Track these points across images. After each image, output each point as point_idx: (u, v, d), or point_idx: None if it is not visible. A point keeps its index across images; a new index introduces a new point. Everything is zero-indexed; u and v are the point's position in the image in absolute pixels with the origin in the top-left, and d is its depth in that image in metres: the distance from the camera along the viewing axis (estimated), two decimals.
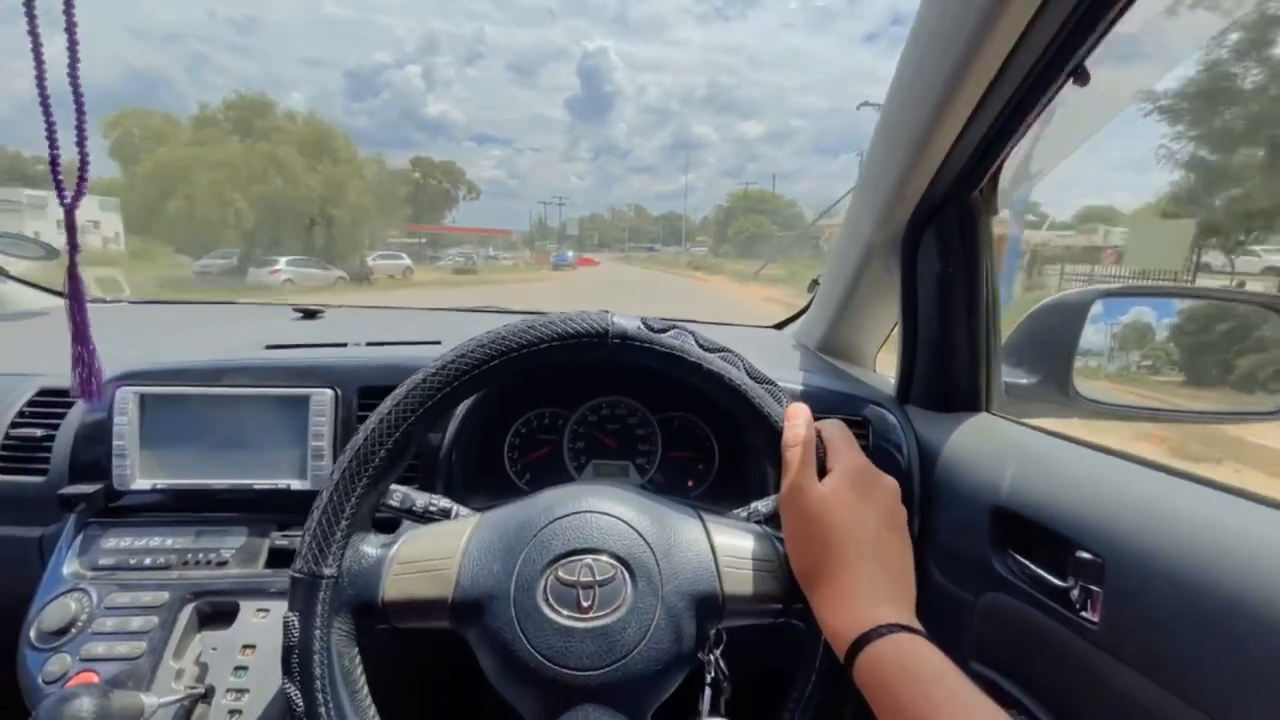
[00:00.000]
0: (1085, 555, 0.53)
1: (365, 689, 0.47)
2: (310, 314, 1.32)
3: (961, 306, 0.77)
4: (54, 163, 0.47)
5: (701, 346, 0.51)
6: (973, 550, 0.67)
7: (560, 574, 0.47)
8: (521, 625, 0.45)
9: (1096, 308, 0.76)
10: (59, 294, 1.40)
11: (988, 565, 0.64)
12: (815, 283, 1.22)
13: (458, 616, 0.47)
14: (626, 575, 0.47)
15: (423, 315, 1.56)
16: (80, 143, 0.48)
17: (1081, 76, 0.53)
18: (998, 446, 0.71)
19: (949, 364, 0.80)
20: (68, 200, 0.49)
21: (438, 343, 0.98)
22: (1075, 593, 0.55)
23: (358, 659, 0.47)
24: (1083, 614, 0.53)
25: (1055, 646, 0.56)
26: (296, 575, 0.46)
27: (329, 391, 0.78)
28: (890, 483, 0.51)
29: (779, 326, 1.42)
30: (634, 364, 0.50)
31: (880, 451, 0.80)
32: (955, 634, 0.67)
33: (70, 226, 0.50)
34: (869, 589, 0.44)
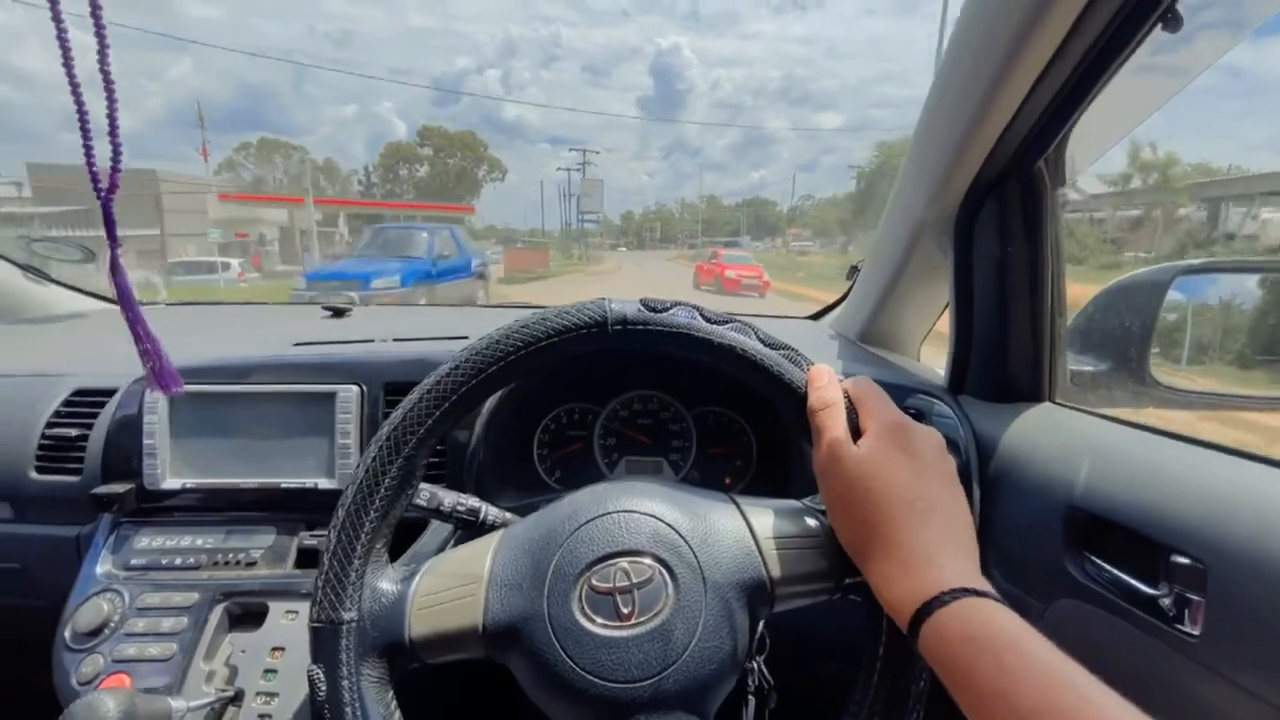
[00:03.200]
0: (1182, 560, 0.48)
1: None
2: (339, 312, 1.32)
3: (1023, 287, 0.71)
4: (88, 154, 0.45)
5: (708, 319, 0.47)
6: (1042, 552, 0.61)
7: (594, 582, 0.43)
8: (562, 644, 0.42)
9: (1176, 286, 0.69)
10: (98, 296, 1.43)
11: (1059, 569, 0.59)
12: (855, 269, 1.16)
13: (492, 644, 0.44)
14: (665, 574, 0.44)
15: (447, 312, 1.55)
16: (113, 132, 0.47)
17: (1173, 21, 0.47)
18: (1067, 439, 0.65)
19: (1007, 350, 0.74)
20: (103, 194, 0.47)
21: (464, 337, 0.96)
22: (1168, 601, 0.49)
23: (394, 704, 0.44)
24: (1179, 625, 0.47)
25: (1143, 660, 0.50)
26: (315, 625, 0.43)
27: (355, 388, 0.77)
28: (932, 434, 0.46)
29: (815, 317, 1.36)
30: (643, 350, 0.47)
31: None
32: None
33: (109, 222, 0.48)
34: (924, 552, 0.40)
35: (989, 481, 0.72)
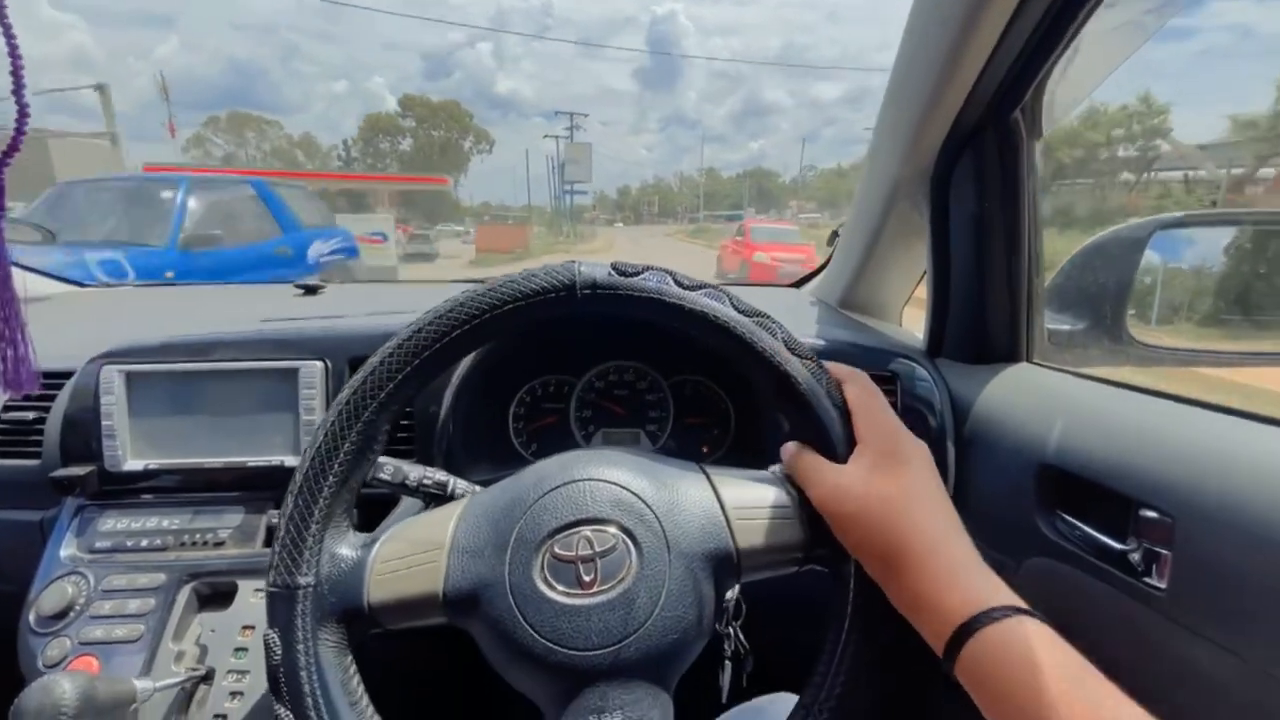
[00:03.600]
0: (1150, 514, 0.47)
1: (365, 699, 0.43)
2: (311, 290, 1.29)
3: (999, 245, 0.69)
4: None
5: (681, 285, 0.46)
6: (1016, 512, 0.61)
7: (557, 550, 0.42)
8: (522, 610, 0.41)
9: (1154, 242, 0.67)
10: (56, 278, 1.39)
11: (1033, 528, 0.59)
12: (835, 235, 1.14)
13: (453, 610, 0.43)
14: (629, 542, 0.43)
15: (425, 288, 1.52)
16: (18, 95, 0.43)
17: None
18: (1042, 399, 0.65)
19: (985, 310, 0.73)
20: None
21: None
22: (1137, 556, 0.49)
23: (353, 669, 0.44)
24: (1146, 579, 0.47)
25: (1113, 614, 0.50)
26: (271, 589, 0.42)
27: (318, 363, 0.75)
28: (923, 449, 0.45)
29: (797, 285, 1.35)
30: (613, 315, 0.45)
31: (909, 409, 0.74)
32: None
33: None
34: (954, 567, 0.39)
35: (964, 443, 0.71)
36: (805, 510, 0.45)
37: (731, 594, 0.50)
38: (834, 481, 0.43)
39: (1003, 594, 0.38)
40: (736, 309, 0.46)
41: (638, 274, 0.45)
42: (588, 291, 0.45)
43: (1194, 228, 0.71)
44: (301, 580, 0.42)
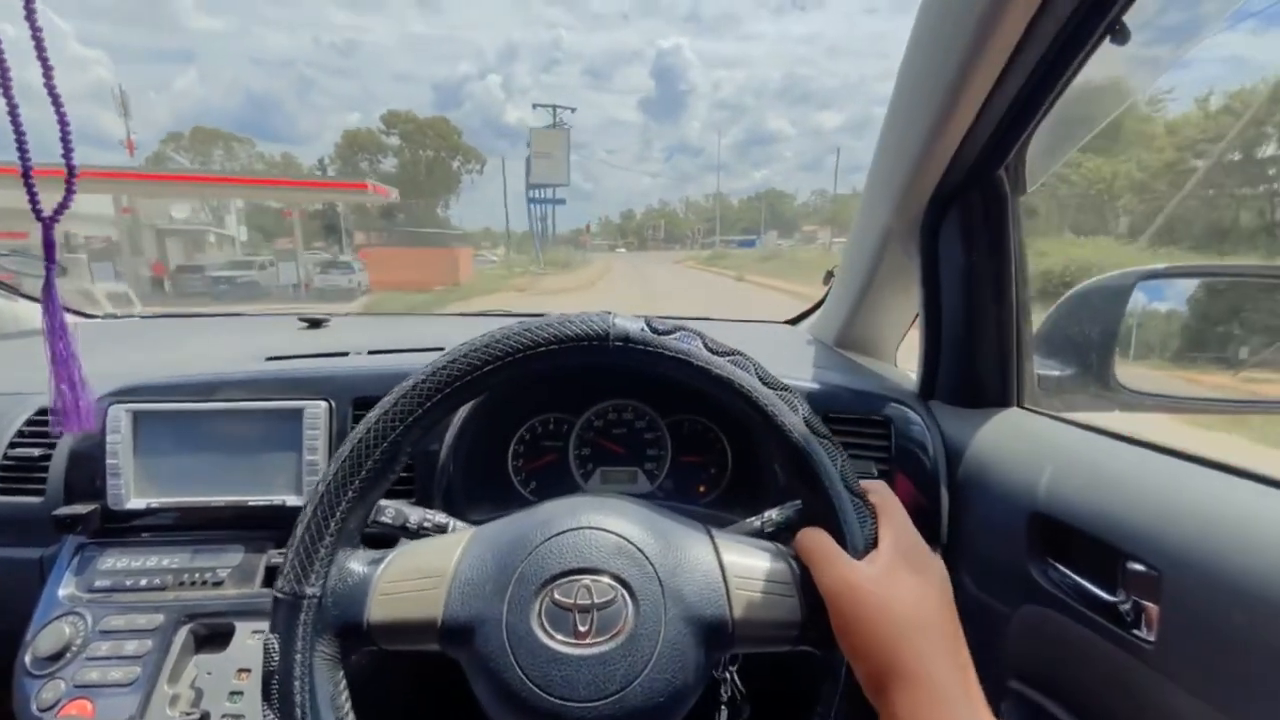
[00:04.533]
0: (1137, 566, 0.48)
1: (351, 716, 0.44)
2: (315, 323, 1.31)
3: (988, 294, 0.71)
4: (26, 175, 0.44)
5: (710, 349, 0.47)
6: (1008, 558, 0.62)
7: (556, 595, 0.43)
8: (514, 651, 0.42)
9: (1137, 291, 0.70)
10: (71, 311, 1.41)
11: (1025, 575, 0.59)
12: (831, 275, 1.17)
13: (448, 639, 0.44)
14: (627, 598, 0.44)
15: (430, 321, 1.54)
16: (67, 155, 0.46)
17: (1120, 34, 0.47)
18: (1032, 444, 0.66)
19: (975, 356, 0.75)
20: (45, 214, 0.46)
21: (440, 349, 0.95)
22: (1126, 607, 0.50)
23: (343, 684, 0.44)
24: (1135, 631, 0.48)
25: (1103, 665, 0.51)
26: (278, 595, 0.43)
27: (323, 404, 0.76)
28: (939, 565, 0.45)
29: (793, 322, 1.37)
30: (638, 369, 0.47)
31: (903, 452, 0.75)
32: (991, 648, 0.62)
33: (49, 244, 0.48)
34: (954, 687, 0.39)
35: (957, 487, 0.72)
36: (805, 588, 0.45)
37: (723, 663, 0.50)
38: (848, 578, 0.42)
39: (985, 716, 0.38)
40: (762, 380, 0.47)
41: (670, 333, 0.47)
42: (620, 344, 0.46)
43: (1174, 279, 0.74)
44: (309, 590, 0.43)
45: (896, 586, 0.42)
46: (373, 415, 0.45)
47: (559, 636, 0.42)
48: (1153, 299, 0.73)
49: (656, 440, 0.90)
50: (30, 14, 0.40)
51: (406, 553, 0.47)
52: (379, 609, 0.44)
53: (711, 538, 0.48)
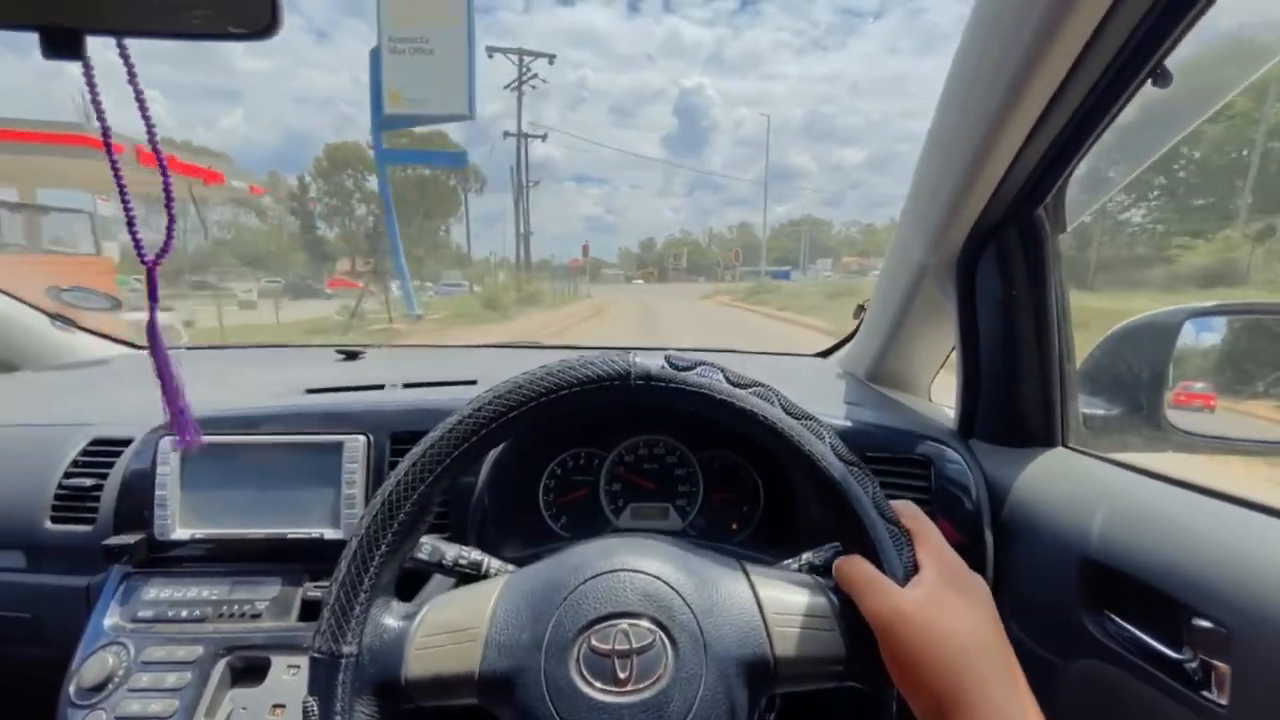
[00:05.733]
0: (1204, 623, 0.46)
1: None
2: (351, 355, 1.34)
3: (1028, 331, 0.70)
4: (131, 224, 0.48)
5: (731, 382, 0.47)
6: (1060, 607, 0.59)
7: (594, 642, 0.43)
8: (554, 702, 0.41)
9: (1187, 329, 0.68)
10: (121, 342, 1.47)
11: (1079, 626, 0.57)
12: (861, 308, 1.16)
13: (486, 693, 0.43)
14: (666, 641, 0.43)
15: (461, 353, 1.56)
16: (168, 205, 0.50)
17: (1163, 78, 0.47)
18: (1082, 487, 0.64)
19: (1017, 394, 0.73)
20: (149, 259, 0.50)
21: (473, 382, 0.97)
22: (1193, 665, 0.47)
23: None
24: (1205, 693, 0.45)
25: None
26: (316, 655, 0.43)
27: (361, 438, 0.77)
28: (983, 585, 0.44)
29: (824, 354, 1.36)
30: (662, 405, 0.47)
31: (943, 493, 0.73)
32: (1044, 702, 0.59)
33: (152, 285, 0.51)
34: (1024, 717, 0.38)
35: (1002, 529, 0.70)
36: (847, 621, 0.44)
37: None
38: (896, 605, 0.41)
39: None
40: (786, 411, 0.47)
41: (691, 368, 0.47)
42: (641, 382, 0.46)
43: (1224, 316, 0.72)
44: (345, 649, 0.43)
45: (946, 610, 0.41)
46: (401, 468, 0.46)
47: (599, 684, 0.41)
48: (1202, 336, 0.71)
49: (688, 476, 0.89)
50: (138, 96, 0.44)
51: (440, 605, 0.47)
52: (416, 665, 0.43)
53: (746, 573, 0.47)
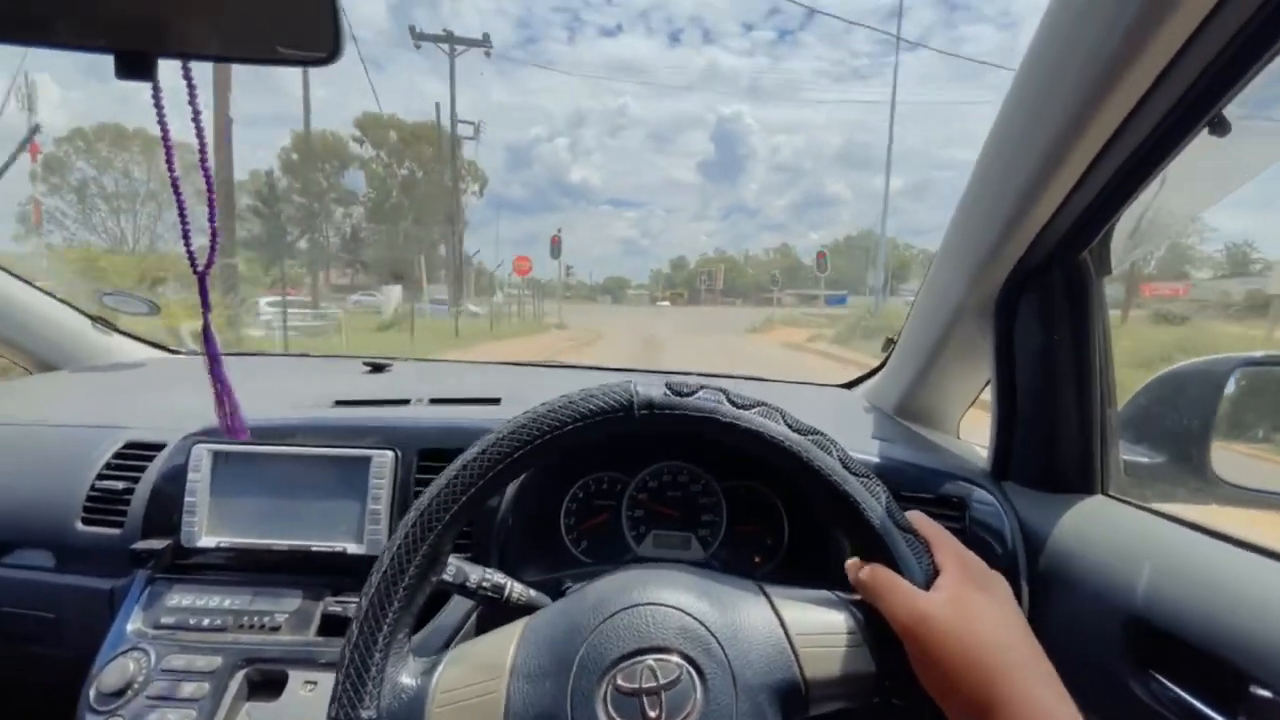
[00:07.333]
0: (1264, 692, 0.43)
1: None
2: (378, 368, 1.35)
3: (1068, 374, 0.68)
4: (186, 237, 0.50)
5: (734, 404, 0.47)
6: (1102, 666, 0.57)
7: (620, 681, 0.41)
8: None
9: (1235, 378, 0.66)
10: (158, 346, 1.50)
11: (1123, 687, 0.54)
12: (891, 341, 1.14)
13: None
14: (694, 674, 0.42)
15: (485, 369, 1.57)
16: (211, 219, 0.54)
17: (1220, 126, 0.47)
18: (1125, 538, 0.62)
19: (1055, 437, 0.72)
20: (199, 268, 0.52)
21: (497, 400, 0.97)
22: None
23: None
24: None
25: None
26: None
27: (389, 453, 0.78)
28: (1002, 580, 0.44)
29: (850, 386, 1.34)
30: (669, 432, 0.47)
31: (976, 538, 0.71)
32: None
33: (204, 293, 0.53)
34: (1064, 707, 0.37)
35: (1039, 578, 0.68)
36: (873, 634, 0.43)
37: None
38: (922, 609, 0.41)
39: None
40: (791, 427, 0.47)
41: (693, 393, 0.47)
42: (645, 412, 0.46)
43: (1277, 367, 0.69)
44: (364, 714, 0.41)
45: (972, 609, 0.40)
46: (409, 518, 0.45)
47: None
48: (1252, 389, 0.69)
49: (712, 505, 0.88)
50: (196, 117, 0.45)
51: (458, 657, 0.46)
52: None
53: (767, 595, 0.46)
